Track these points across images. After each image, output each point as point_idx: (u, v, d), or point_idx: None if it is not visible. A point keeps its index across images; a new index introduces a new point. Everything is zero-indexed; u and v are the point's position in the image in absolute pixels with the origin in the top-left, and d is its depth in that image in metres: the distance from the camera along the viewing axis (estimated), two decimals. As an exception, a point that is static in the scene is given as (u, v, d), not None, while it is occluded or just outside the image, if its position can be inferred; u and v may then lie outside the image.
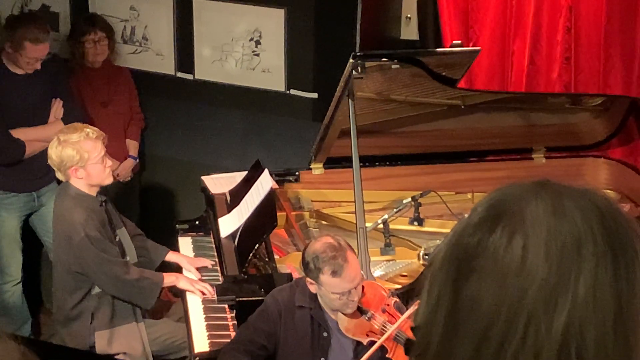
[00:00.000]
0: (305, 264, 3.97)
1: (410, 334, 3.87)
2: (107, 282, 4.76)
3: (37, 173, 5.65)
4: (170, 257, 5.09)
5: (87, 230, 4.68)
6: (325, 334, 4.04)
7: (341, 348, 4.05)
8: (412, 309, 3.91)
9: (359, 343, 4.02)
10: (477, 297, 1.20)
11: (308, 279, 3.96)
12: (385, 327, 3.95)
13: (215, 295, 4.56)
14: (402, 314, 3.96)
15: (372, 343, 3.95)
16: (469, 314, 1.20)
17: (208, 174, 5.51)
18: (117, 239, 4.90)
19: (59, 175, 4.85)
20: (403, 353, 3.93)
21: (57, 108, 5.63)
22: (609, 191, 5.39)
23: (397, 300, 4.08)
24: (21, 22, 5.55)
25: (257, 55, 6.02)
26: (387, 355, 3.95)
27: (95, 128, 4.87)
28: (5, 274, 5.84)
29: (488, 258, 1.20)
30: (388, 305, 4.02)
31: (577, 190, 1.24)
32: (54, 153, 4.76)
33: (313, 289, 3.97)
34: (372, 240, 4.70)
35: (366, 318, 3.98)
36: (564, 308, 1.16)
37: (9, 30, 5.50)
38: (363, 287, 4.01)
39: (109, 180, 4.88)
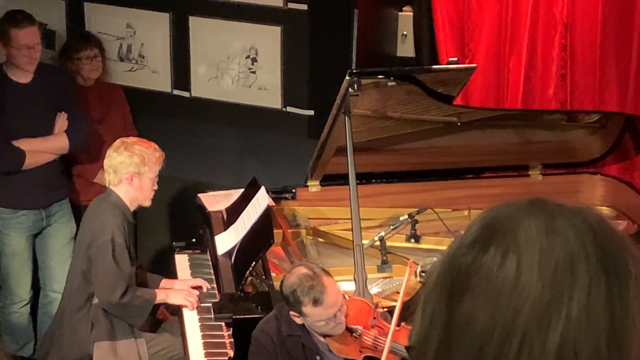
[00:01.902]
0: (285, 299, 3.96)
1: (402, 342, 3.88)
2: (102, 292, 4.76)
3: (46, 188, 5.65)
4: (164, 284, 5.08)
5: (115, 235, 4.71)
6: (318, 358, 4.03)
7: None
8: (395, 317, 3.90)
9: None
10: (471, 316, 1.20)
11: (292, 312, 3.96)
12: (378, 341, 3.94)
13: (212, 313, 4.55)
14: (389, 324, 3.95)
15: (367, 358, 3.93)
16: (463, 333, 1.20)
17: (204, 192, 5.51)
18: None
19: (108, 177, 4.87)
20: None
21: (62, 121, 5.63)
22: (604, 208, 5.39)
23: (381, 310, 4.06)
24: (4, 16, 5.58)
25: (253, 72, 6.03)
26: None
27: (160, 151, 4.92)
28: (14, 294, 5.83)
29: (482, 277, 1.20)
30: (375, 318, 4.01)
31: (570, 209, 1.25)
32: (117, 154, 4.81)
33: (299, 321, 3.96)
34: (369, 257, 4.69)
35: (356, 336, 3.97)
36: (557, 327, 1.16)
37: None
38: (347, 305, 4.00)
39: (148, 203, 4.96)
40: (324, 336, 4.01)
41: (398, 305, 3.93)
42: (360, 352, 3.98)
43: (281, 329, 4.04)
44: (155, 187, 4.92)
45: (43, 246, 5.80)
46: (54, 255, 5.78)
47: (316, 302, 3.85)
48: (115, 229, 4.74)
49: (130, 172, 4.79)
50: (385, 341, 3.88)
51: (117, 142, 4.91)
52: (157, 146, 4.94)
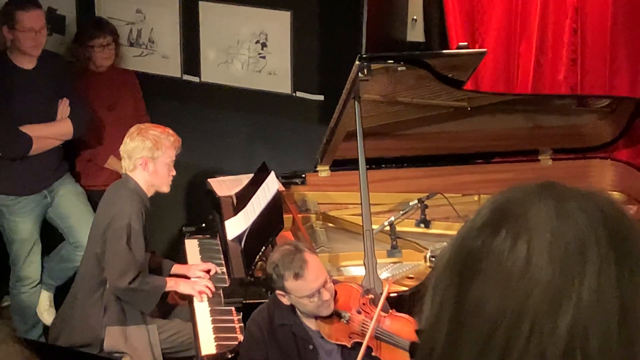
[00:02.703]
0: (270, 278, 3.98)
1: (387, 328, 3.89)
2: (112, 276, 4.77)
3: (47, 172, 5.68)
4: (175, 269, 5.09)
5: (132, 221, 4.72)
6: (310, 347, 4.03)
7: (328, 355, 4.04)
8: (381, 304, 3.91)
9: (344, 347, 4.02)
10: (481, 300, 1.20)
11: (278, 291, 3.97)
12: (365, 327, 3.95)
13: (222, 298, 4.56)
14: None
15: (357, 344, 3.95)
16: (473, 316, 1.20)
17: (214, 177, 5.51)
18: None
19: (124, 163, 4.89)
20: (388, 350, 3.93)
21: (64, 107, 5.64)
22: (615, 193, 5.38)
23: (373, 296, 4.07)
24: (9, 0, 5.59)
25: (263, 57, 6.03)
26: (373, 354, 3.95)
27: (176, 135, 4.91)
28: (23, 277, 5.85)
29: (492, 261, 1.20)
30: (364, 304, 4.02)
31: (581, 193, 1.24)
32: (131, 139, 4.82)
33: (285, 300, 3.97)
34: (379, 242, 4.70)
35: (344, 321, 3.98)
36: (568, 311, 1.16)
37: (2, 14, 5.52)
38: (336, 290, 4.01)
39: (167, 189, 4.94)
40: (316, 317, 4.02)
41: (384, 294, 3.95)
42: (350, 337, 3.99)
43: (274, 318, 4.05)
44: (173, 173, 4.92)
45: (59, 213, 5.79)
46: (73, 212, 5.77)
47: (297, 276, 3.86)
48: (133, 215, 4.75)
49: (144, 156, 4.80)
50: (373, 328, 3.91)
51: (133, 128, 4.93)
52: (172, 131, 4.94)
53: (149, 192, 4.90)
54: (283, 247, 4.02)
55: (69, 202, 5.81)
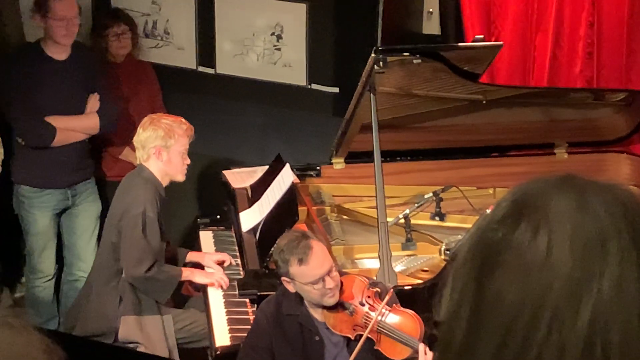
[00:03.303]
0: (275, 264, 4.00)
1: (389, 322, 3.88)
2: (128, 265, 4.78)
3: (72, 167, 5.66)
4: (190, 257, 5.11)
5: (147, 209, 4.73)
6: (317, 338, 4.03)
7: (335, 347, 4.05)
8: (387, 298, 3.92)
9: (349, 339, 4.02)
10: (501, 292, 1.19)
11: (283, 278, 3.98)
12: (367, 319, 3.96)
13: (237, 289, 4.57)
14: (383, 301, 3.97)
15: (360, 337, 3.95)
16: (493, 309, 1.20)
17: (229, 168, 5.51)
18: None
19: (138, 154, 4.91)
20: (389, 344, 3.93)
21: (94, 101, 5.65)
22: (631, 187, 5.36)
23: (379, 289, 4.07)
24: None
25: (279, 49, 6.03)
26: (375, 347, 3.96)
27: (188, 124, 4.92)
28: (37, 270, 5.86)
29: (512, 253, 1.19)
30: (369, 297, 4.02)
31: (601, 185, 1.24)
32: (143, 129, 4.85)
33: (291, 287, 3.98)
34: (394, 235, 4.70)
35: (349, 313, 3.98)
36: (588, 303, 1.15)
37: (35, 2, 5.54)
38: (342, 282, 4.01)
39: (182, 177, 4.96)
40: (323, 307, 4.02)
41: (387, 296, 3.95)
42: (354, 329, 3.99)
43: (282, 308, 4.06)
44: (188, 161, 4.93)
45: (69, 225, 5.82)
46: (81, 234, 5.81)
47: (301, 261, 3.88)
48: (147, 203, 4.76)
49: (157, 145, 4.81)
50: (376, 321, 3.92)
51: (145, 118, 4.95)
52: (184, 120, 4.95)
53: (164, 182, 4.90)
54: (289, 234, 4.04)
55: (84, 222, 5.82)
